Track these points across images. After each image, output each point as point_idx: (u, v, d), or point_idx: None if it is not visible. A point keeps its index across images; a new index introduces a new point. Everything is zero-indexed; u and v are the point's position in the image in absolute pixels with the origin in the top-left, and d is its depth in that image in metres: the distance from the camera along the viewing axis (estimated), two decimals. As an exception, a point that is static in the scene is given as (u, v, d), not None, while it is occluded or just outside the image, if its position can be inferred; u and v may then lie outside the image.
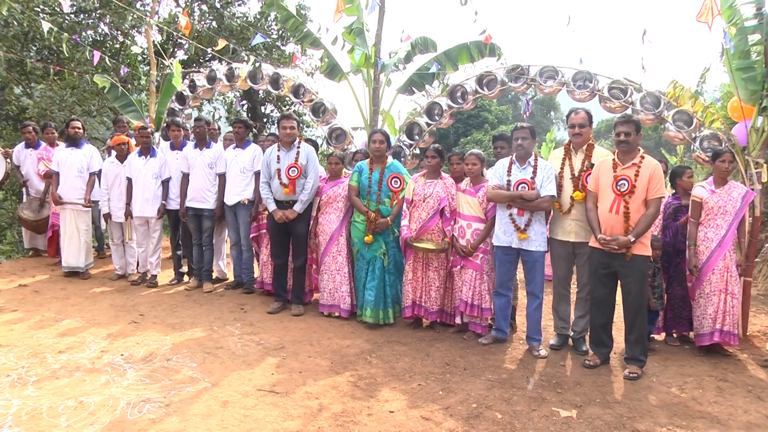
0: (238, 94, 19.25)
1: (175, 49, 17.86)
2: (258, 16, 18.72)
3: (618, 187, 4.36)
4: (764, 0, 5.09)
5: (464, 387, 4.16)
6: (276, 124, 5.85)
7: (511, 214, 4.85)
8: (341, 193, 5.83)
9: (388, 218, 5.49)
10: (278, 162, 5.80)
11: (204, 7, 17.61)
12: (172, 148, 6.92)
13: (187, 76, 8.90)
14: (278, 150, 5.85)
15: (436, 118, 7.74)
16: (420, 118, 7.80)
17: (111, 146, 7.26)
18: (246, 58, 10.90)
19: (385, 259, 5.56)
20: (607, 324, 4.66)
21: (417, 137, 7.82)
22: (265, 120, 20.62)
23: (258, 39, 8.38)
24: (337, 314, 5.84)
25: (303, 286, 6.04)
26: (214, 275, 7.12)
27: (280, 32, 19.20)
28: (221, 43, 8.78)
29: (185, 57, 17.74)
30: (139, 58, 16.57)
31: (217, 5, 17.22)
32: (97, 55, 8.48)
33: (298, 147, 5.83)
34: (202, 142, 6.63)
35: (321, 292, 5.98)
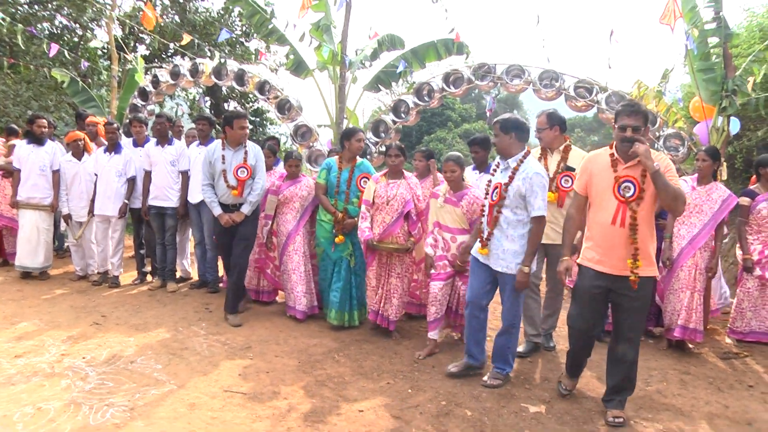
0: (201, 90, 18.95)
1: (137, 44, 17.47)
2: (221, 12, 18.45)
3: (621, 192, 3.45)
4: (722, 4, 5.24)
5: (433, 385, 4.17)
6: (226, 123, 5.36)
7: (481, 222, 4.16)
8: (298, 193, 5.70)
9: (356, 218, 5.31)
10: (223, 162, 5.36)
11: (166, 1, 17.28)
12: (135, 144, 6.76)
13: (150, 72, 8.70)
14: (222, 149, 5.40)
15: (403, 115, 7.75)
16: (386, 115, 7.80)
17: (66, 143, 7.02)
18: (209, 54, 10.70)
19: (352, 260, 5.42)
20: (587, 355, 3.94)
21: (383, 135, 7.82)
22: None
23: (224, 35, 8.24)
24: (290, 315, 5.69)
25: (241, 292, 5.71)
26: (178, 274, 6.98)
27: (244, 28, 18.96)
28: (186, 38, 8.60)
29: (147, 52, 17.38)
30: (99, 52, 16.13)
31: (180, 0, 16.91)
32: (54, 47, 8.20)
33: (246, 147, 5.44)
34: (163, 139, 6.49)
35: (285, 291, 5.84)
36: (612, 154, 3.54)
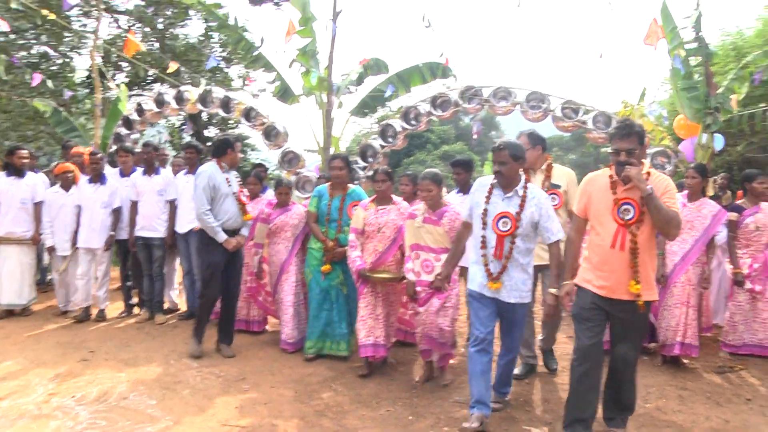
0: (184, 116, 18.86)
1: (116, 72, 17.41)
2: (201, 38, 18.50)
3: (621, 214, 3.40)
4: (701, 26, 5.38)
5: (433, 410, 4.13)
6: (227, 146, 5.26)
7: (485, 255, 3.79)
8: (289, 222, 5.56)
9: (347, 248, 5.07)
10: (229, 185, 5.23)
11: (147, 29, 17.27)
12: (122, 174, 6.68)
13: (131, 99, 8.65)
14: (223, 171, 5.25)
15: (390, 139, 7.78)
16: (374, 140, 7.82)
17: (55, 174, 6.89)
18: (189, 81, 10.66)
19: (344, 288, 5.27)
20: (596, 384, 3.59)
21: (371, 159, 7.83)
22: (209, 144, 20.28)
23: (212, 62, 8.24)
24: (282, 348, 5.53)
25: (233, 323, 5.58)
26: (166, 306, 6.84)
27: (224, 54, 19.01)
28: (172, 66, 8.58)
29: (126, 80, 17.32)
30: (78, 80, 16.03)
31: (159, 26, 16.91)
32: (37, 77, 8.11)
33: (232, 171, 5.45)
34: (150, 169, 6.42)
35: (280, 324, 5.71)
36: (611, 176, 3.50)
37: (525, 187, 3.77)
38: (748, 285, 5.15)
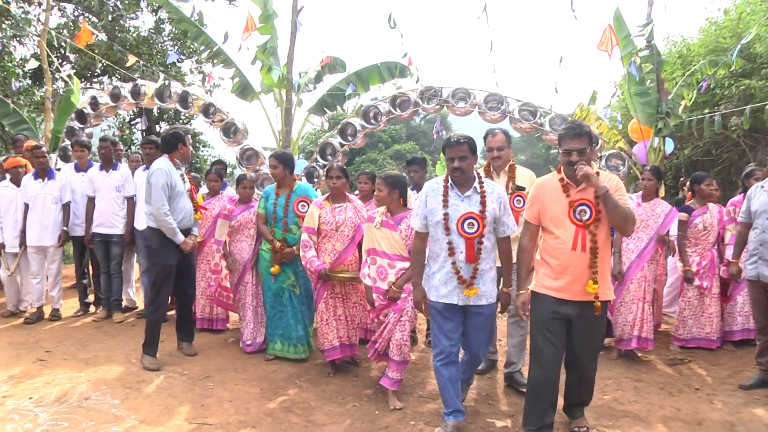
0: (131, 112, 18.40)
1: (63, 63, 16.82)
2: (152, 31, 18.09)
3: (578, 216, 3.37)
4: (653, 34, 5.64)
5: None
6: (178, 140, 4.93)
7: (454, 262, 3.53)
8: (252, 219, 5.47)
9: (295, 247, 4.99)
10: (184, 182, 5.00)
11: (95, 20, 16.75)
12: (77, 169, 6.50)
13: (83, 92, 8.39)
14: (177, 168, 4.98)
15: (350, 138, 7.83)
16: (333, 138, 7.85)
17: (5, 169, 6.64)
18: (139, 74, 10.35)
19: (296, 290, 5.12)
20: (554, 393, 3.59)
21: (330, 157, 7.86)
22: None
23: (172, 56, 8.09)
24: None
25: (193, 321, 5.56)
26: (123, 304, 6.71)
27: (175, 48, 18.62)
28: (131, 59, 8.37)
29: (73, 71, 16.75)
30: (20, 71, 15.38)
31: (109, 18, 16.42)
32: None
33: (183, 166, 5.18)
34: (108, 164, 6.27)
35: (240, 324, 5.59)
36: (562, 179, 3.46)
37: (481, 183, 3.58)
38: (696, 282, 5.42)
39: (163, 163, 4.85)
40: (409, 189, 5.21)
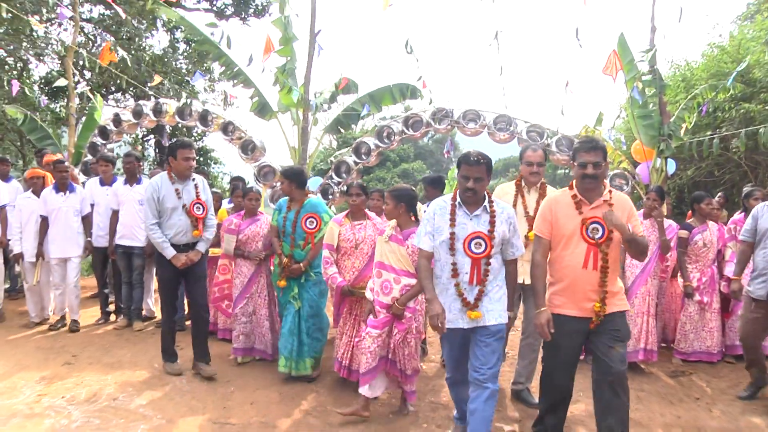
0: (145, 129, 18.79)
1: (78, 81, 17.27)
2: (169, 49, 18.54)
3: (590, 234, 3.36)
4: (656, 59, 5.93)
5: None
6: (170, 153, 4.88)
7: (458, 284, 3.44)
8: (259, 232, 5.53)
9: (302, 264, 4.95)
10: (179, 197, 4.88)
11: (112, 38, 17.21)
12: (102, 183, 6.77)
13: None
14: (172, 182, 4.90)
15: (363, 156, 8.09)
16: (348, 156, 8.12)
17: (26, 180, 6.91)
18: (153, 92, 10.67)
19: (296, 303, 5.02)
20: (564, 413, 3.68)
21: (344, 175, 8.13)
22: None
23: (197, 77, 8.42)
24: (254, 357, 5.51)
25: (207, 338, 5.19)
26: (143, 313, 6.92)
27: (189, 67, 19.09)
28: (156, 79, 8.73)
29: (88, 88, 17.18)
30: (41, 88, 15.82)
31: (125, 37, 16.89)
32: (16, 85, 8.09)
33: (194, 179, 5.02)
34: (132, 178, 6.53)
35: (235, 335, 5.49)
36: (575, 196, 3.46)
37: (491, 202, 3.49)
38: (697, 297, 5.62)
39: (157, 177, 4.96)
40: (421, 204, 5.29)
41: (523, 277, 4.16)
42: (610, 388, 3.35)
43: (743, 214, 5.86)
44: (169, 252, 4.83)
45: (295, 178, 5.07)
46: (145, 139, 20.83)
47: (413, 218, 4.28)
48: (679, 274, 5.80)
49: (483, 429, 3.37)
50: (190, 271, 4.99)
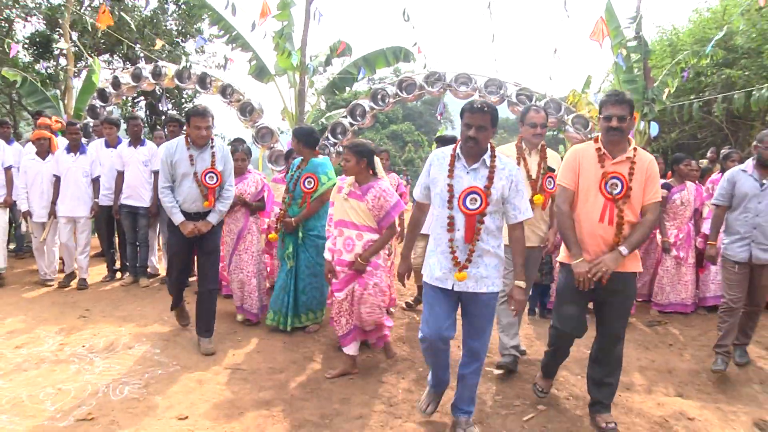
0: (160, 90, 18.80)
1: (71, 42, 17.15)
2: (157, 11, 18.37)
3: (608, 188, 3.33)
4: (642, 26, 6.16)
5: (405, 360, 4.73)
6: (186, 120, 4.72)
7: (452, 239, 3.22)
8: (246, 190, 5.51)
9: (293, 220, 5.07)
10: (192, 164, 4.63)
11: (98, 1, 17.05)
12: (107, 145, 6.95)
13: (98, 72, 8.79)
14: (188, 148, 4.66)
15: (359, 118, 8.32)
16: (344, 118, 8.34)
17: (31, 141, 7.07)
18: (142, 55, 10.71)
19: (289, 262, 5.15)
20: (566, 356, 3.82)
21: (340, 136, 8.36)
22: (163, 117, 20.25)
23: (199, 42, 8.53)
24: (241, 317, 5.54)
25: (213, 315, 4.91)
26: (148, 270, 7.20)
27: (180, 29, 18.98)
28: (159, 43, 8.84)
29: (75, 49, 17.10)
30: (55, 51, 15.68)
31: (110, -1, 16.73)
32: (15, 47, 8.16)
33: (212, 147, 4.72)
34: (137, 141, 6.73)
35: (234, 294, 5.60)
36: (599, 149, 3.41)
37: (493, 156, 3.22)
38: (674, 252, 5.99)
39: (174, 141, 4.78)
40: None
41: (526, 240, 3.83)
42: (608, 343, 3.54)
43: (721, 174, 6.20)
44: (177, 218, 4.63)
45: (303, 138, 5.16)
46: (135, 101, 20.82)
47: (371, 173, 4.29)
48: (657, 230, 6.14)
49: (468, 398, 3.47)
50: (200, 243, 4.77)
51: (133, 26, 8.87)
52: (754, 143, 4.46)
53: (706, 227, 5.96)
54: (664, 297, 6.09)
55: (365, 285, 4.18)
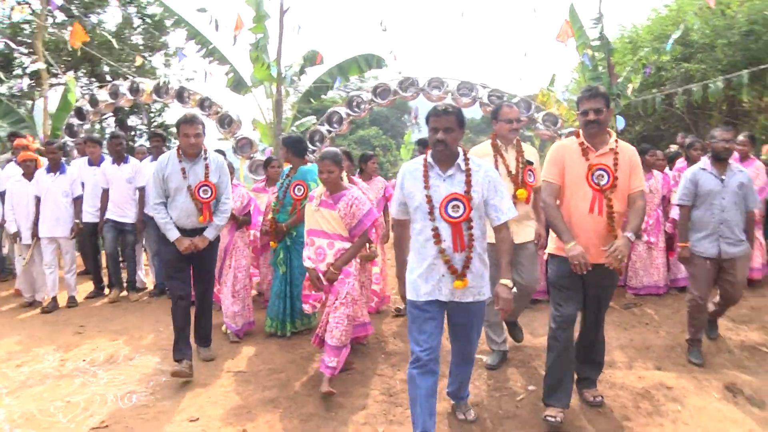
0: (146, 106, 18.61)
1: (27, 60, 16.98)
2: (122, 26, 18.36)
3: (596, 180, 3.40)
4: (604, 26, 6.52)
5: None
6: (177, 129, 4.53)
7: (443, 250, 3.05)
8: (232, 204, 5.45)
9: (284, 225, 5.14)
10: (185, 177, 4.44)
11: (62, 16, 16.92)
12: (90, 164, 7.01)
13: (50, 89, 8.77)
14: (180, 160, 4.46)
15: (335, 125, 8.52)
16: (321, 125, 8.54)
17: (18, 162, 7.06)
18: (108, 71, 10.73)
19: (281, 268, 5.23)
20: (572, 367, 3.65)
21: (318, 144, 8.55)
22: (132, 132, 20.20)
23: (181, 56, 8.65)
24: (228, 330, 5.39)
25: (210, 326, 4.93)
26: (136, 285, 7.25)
27: (147, 43, 19.00)
28: (138, 60, 8.92)
29: (36, 68, 16.91)
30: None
31: (75, 13, 16.59)
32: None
33: (206, 159, 4.53)
34: (120, 158, 6.79)
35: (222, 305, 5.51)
36: (582, 143, 3.51)
37: (466, 160, 3.12)
38: (645, 237, 6.33)
39: (165, 154, 4.58)
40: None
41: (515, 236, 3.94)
42: (594, 327, 3.76)
43: (686, 162, 6.57)
44: (172, 234, 4.41)
45: (291, 146, 5.20)
46: (103, 117, 20.68)
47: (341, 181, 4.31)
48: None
49: (463, 386, 3.60)
50: (197, 259, 4.59)
51: (97, 43, 8.84)
52: (708, 140, 4.66)
53: (674, 213, 6.29)
54: (638, 280, 6.42)
55: (337, 293, 4.18)
